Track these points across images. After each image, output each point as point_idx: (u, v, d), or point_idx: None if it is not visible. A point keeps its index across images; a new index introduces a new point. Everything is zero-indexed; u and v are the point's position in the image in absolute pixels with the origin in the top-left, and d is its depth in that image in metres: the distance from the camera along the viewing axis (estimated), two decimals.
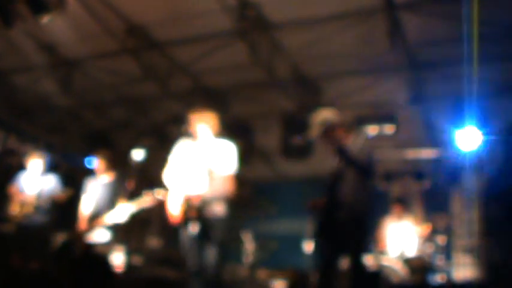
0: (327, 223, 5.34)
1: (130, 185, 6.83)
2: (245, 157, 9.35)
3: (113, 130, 10.08)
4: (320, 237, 5.50)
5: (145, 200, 6.80)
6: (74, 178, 8.78)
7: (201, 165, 5.63)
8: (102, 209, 7.05)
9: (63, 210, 8.38)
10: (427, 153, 9.56)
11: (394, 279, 8.13)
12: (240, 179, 10.50)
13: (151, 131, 9.31)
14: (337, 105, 8.48)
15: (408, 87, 7.90)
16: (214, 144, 5.71)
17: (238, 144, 9.16)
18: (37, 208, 7.87)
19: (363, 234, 5.34)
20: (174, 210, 5.61)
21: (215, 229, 5.49)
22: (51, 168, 9.89)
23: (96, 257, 4.87)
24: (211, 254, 5.49)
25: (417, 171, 9.58)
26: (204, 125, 5.71)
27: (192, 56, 7.94)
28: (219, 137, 5.77)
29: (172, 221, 5.63)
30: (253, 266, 8.31)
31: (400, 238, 8.65)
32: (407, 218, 9.06)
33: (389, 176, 9.72)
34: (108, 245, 7.09)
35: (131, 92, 9.32)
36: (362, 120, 8.18)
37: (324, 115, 5.42)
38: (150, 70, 8.08)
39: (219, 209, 5.51)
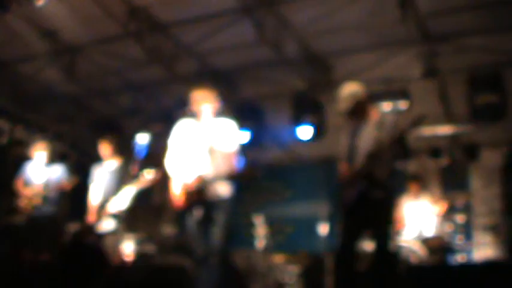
0: (359, 201, 5.11)
1: (135, 169, 6.66)
2: (257, 139, 9.18)
3: (121, 117, 9.89)
4: (348, 215, 5.28)
5: (143, 180, 6.66)
6: (84, 167, 8.58)
7: (203, 145, 5.45)
8: (110, 196, 6.89)
9: (72, 199, 8.28)
10: (443, 129, 9.24)
11: (413, 260, 7.91)
12: (251, 162, 10.37)
13: (160, 116, 9.09)
14: (348, 82, 8.29)
15: (421, 60, 7.57)
16: (216, 122, 5.53)
17: (249, 126, 9.05)
18: (45, 199, 7.78)
19: (392, 215, 5.16)
20: (178, 194, 5.43)
21: (219, 211, 5.31)
22: (61, 157, 9.83)
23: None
24: (216, 237, 5.29)
25: (434, 148, 9.26)
26: (206, 104, 5.52)
27: (196, 37, 7.69)
28: (221, 116, 5.60)
29: (178, 206, 5.44)
30: (267, 251, 8.10)
31: (418, 217, 8.38)
32: (425, 196, 8.80)
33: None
34: (117, 234, 6.96)
35: (137, 77, 9.10)
36: (374, 97, 7.88)
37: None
38: (155, 53, 7.83)
39: (222, 190, 5.33)
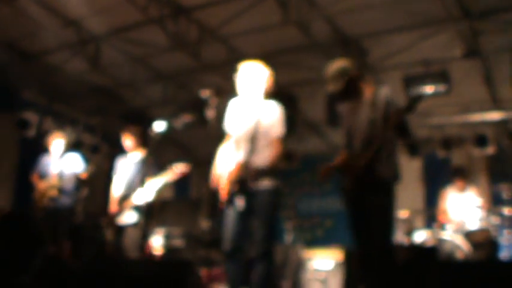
0: (359, 191, 4.71)
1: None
2: (291, 128, 8.79)
3: (152, 107, 9.68)
4: (352, 210, 4.86)
5: (169, 174, 6.46)
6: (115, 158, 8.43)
7: (248, 128, 5.03)
8: (134, 187, 6.67)
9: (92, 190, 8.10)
10: (490, 115, 8.62)
11: (458, 255, 7.39)
12: (288, 151, 10.02)
13: (192, 105, 8.82)
14: (385, 65, 7.83)
15: (462, 40, 7.02)
16: (264, 105, 5.06)
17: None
18: (61, 190, 7.60)
19: (392, 205, 4.70)
20: (222, 185, 5.01)
21: (260, 202, 4.88)
22: (93, 149, 9.74)
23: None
24: (256, 230, 4.90)
25: (480, 136, 8.64)
26: (256, 80, 5.07)
27: (220, 20, 7.38)
28: (269, 99, 5.12)
29: (222, 197, 5.01)
30: (295, 244, 7.72)
31: (462, 210, 7.83)
32: (471, 188, 8.25)
33: (448, 143, 8.84)
34: (139, 227, 6.73)
35: (166, 66, 8.89)
36: (411, 80, 7.39)
37: (342, 66, 4.70)
38: (179, 38, 7.55)
39: (265, 179, 4.87)
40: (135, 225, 6.60)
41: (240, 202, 4.99)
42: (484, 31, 7.01)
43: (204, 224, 10.64)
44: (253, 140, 5.02)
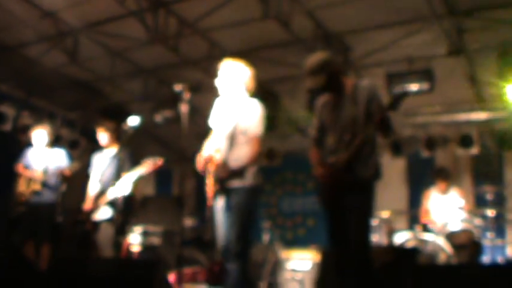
0: (334, 190, 4.56)
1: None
2: (273, 125, 8.64)
3: (132, 102, 9.50)
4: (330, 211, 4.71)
5: (142, 168, 6.33)
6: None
7: (227, 126, 4.99)
8: (109, 183, 6.53)
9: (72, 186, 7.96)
10: (475, 115, 8.50)
11: (440, 256, 7.28)
12: (271, 150, 9.86)
13: (171, 101, 8.66)
14: (368, 62, 7.68)
15: (446, 37, 6.87)
16: (242, 102, 5.00)
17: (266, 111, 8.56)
18: (44, 184, 7.46)
19: (371, 203, 4.54)
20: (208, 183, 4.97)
21: (238, 200, 4.82)
22: (71, 144, 9.56)
23: None
24: (229, 230, 4.84)
25: (464, 136, 8.51)
26: (236, 78, 5.02)
27: (199, 13, 7.18)
28: (250, 96, 5.07)
29: (209, 195, 4.97)
30: (280, 245, 7.56)
31: (445, 211, 7.71)
32: (453, 189, 8.14)
33: (432, 142, 8.71)
34: (113, 223, 6.58)
35: (145, 61, 8.75)
36: (394, 77, 7.25)
37: (322, 59, 4.41)
38: (158, 32, 7.36)
39: (240, 178, 4.81)
40: (109, 221, 6.45)
41: (220, 201, 4.93)
42: (468, 29, 6.88)
43: (188, 221, 10.54)
44: (231, 138, 4.96)
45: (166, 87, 8.98)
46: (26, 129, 8.58)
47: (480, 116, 8.45)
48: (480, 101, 8.26)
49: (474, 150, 8.47)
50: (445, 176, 8.13)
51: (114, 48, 8.26)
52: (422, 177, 9.10)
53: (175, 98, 8.86)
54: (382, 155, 9.61)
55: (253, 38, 7.83)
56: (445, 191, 8.12)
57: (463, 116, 8.53)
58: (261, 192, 5.06)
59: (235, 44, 8.06)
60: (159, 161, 6.28)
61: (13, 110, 8.63)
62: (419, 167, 9.37)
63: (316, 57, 4.47)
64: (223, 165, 4.88)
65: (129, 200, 6.64)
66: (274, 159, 9.98)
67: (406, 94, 4.38)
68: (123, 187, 6.50)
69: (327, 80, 4.39)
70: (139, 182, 6.49)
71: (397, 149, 9.07)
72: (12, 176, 8.34)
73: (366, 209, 4.48)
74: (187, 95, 5.29)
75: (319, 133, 4.69)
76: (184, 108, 5.26)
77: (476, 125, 8.63)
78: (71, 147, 9.48)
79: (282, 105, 8.96)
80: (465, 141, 8.45)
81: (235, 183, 4.84)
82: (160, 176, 11.70)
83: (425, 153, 8.75)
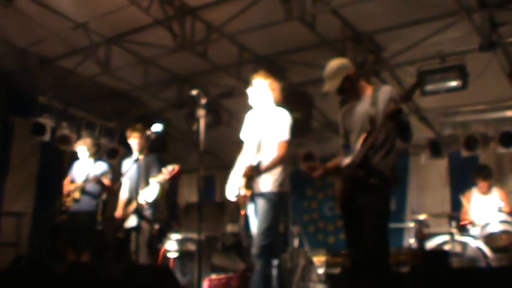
0: (349, 191, 4.47)
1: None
2: (307, 128, 8.52)
3: (168, 110, 9.58)
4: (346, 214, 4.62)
5: (160, 176, 6.46)
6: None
7: (255, 134, 5.26)
8: (137, 190, 6.64)
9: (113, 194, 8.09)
10: None
11: (480, 259, 6.99)
12: (309, 154, 9.73)
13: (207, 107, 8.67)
14: (400, 61, 7.48)
15: (479, 32, 6.59)
16: (270, 112, 5.29)
17: (299, 115, 8.49)
18: (84, 191, 7.68)
19: (387, 209, 4.42)
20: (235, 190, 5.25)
21: (260, 205, 5.00)
22: (111, 153, 9.72)
23: None
24: (257, 234, 5.00)
25: (505, 133, 8.14)
26: (264, 92, 5.29)
27: (225, 18, 7.17)
28: (278, 105, 5.36)
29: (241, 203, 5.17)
30: (299, 249, 7.45)
31: (486, 212, 7.40)
32: (495, 189, 7.84)
33: (472, 141, 8.38)
34: (141, 230, 6.64)
35: (177, 69, 8.85)
36: (427, 75, 7.02)
37: (339, 64, 4.60)
38: (185, 39, 7.40)
39: (268, 182, 5.03)
40: (137, 228, 6.53)
41: (251, 206, 5.10)
42: (503, 21, 6.59)
43: (230, 227, 10.56)
44: (259, 147, 5.16)
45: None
46: (64, 140, 8.81)
47: None
48: None
49: None
50: (486, 176, 7.84)
51: (146, 57, 8.35)
52: (465, 178, 8.79)
53: (210, 104, 8.98)
54: (421, 155, 9.40)
55: (281, 41, 7.76)
56: (486, 192, 7.82)
57: (504, 113, 8.18)
58: (286, 199, 5.28)
59: (264, 48, 8.04)
60: (175, 169, 6.40)
61: (52, 121, 8.84)
62: (462, 168, 9.03)
63: (333, 62, 4.65)
64: (254, 172, 5.04)
65: (154, 207, 6.72)
66: (308, 164, 9.81)
67: (418, 85, 4.33)
68: (149, 194, 6.57)
69: (342, 84, 4.52)
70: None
71: (436, 149, 8.77)
72: (54, 186, 8.59)
73: (381, 210, 4.40)
74: (203, 100, 5.31)
75: (344, 139, 4.75)
76: (201, 112, 5.28)
77: None
78: (110, 156, 9.64)
79: (316, 108, 8.83)
80: (506, 139, 8.09)
81: (261, 188, 5.02)
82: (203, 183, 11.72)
83: (465, 153, 8.42)
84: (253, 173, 5.01)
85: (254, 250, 4.97)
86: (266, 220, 4.96)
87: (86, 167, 7.85)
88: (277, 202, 5.04)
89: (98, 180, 7.65)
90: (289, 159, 5.45)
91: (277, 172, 5.08)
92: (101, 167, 7.90)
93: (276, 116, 5.22)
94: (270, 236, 4.99)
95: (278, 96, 5.35)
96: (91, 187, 7.72)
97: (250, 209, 5.10)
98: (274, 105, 5.32)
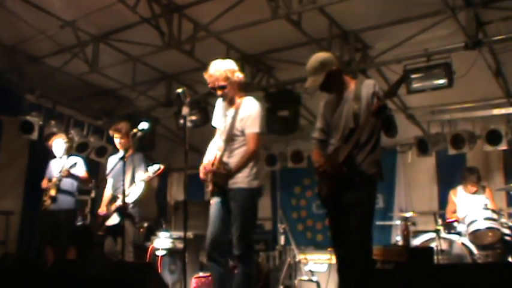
0: (335, 188, 4.46)
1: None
2: (295, 126, 8.53)
3: (156, 108, 9.58)
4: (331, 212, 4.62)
5: (145, 175, 6.57)
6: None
7: (225, 126, 5.02)
8: (120, 187, 6.50)
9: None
10: (502, 109, 8.18)
11: (466, 256, 7.05)
12: (297, 152, 9.73)
13: (195, 105, 8.67)
14: (387, 59, 7.50)
15: (466, 30, 6.62)
16: (240, 102, 5.01)
17: (286, 113, 8.47)
18: (59, 189, 7.68)
19: (371, 206, 4.44)
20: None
21: (235, 202, 4.82)
22: (99, 151, 9.71)
23: None
24: (233, 232, 4.84)
25: (491, 131, 8.18)
26: (227, 81, 4.95)
27: (211, 17, 7.18)
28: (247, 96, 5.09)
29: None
30: (296, 248, 7.46)
31: (473, 210, 7.44)
32: (482, 187, 7.89)
33: (458, 139, 8.42)
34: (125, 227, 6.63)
35: (166, 67, 8.91)
36: (413, 73, 7.05)
37: (321, 59, 4.47)
38: (172, 37, 7.42)
39: (240, 178, 4.83)
40: (119, 226, 6.51)
41: (217, 202, 4.89)
42: (488, 20, 6.64)
43: None
44: (228, 138, 4.95)
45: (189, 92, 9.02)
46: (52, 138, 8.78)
47: (508, 110, 8.12)
48: (507, 95, 7.94)
49: (503, 146, 8.13)
50: (474, 177, 7.87)
51: (133, 55, 8.36)
52: (453, 176, 8.84)
53: (198, 102, 8.97)
54: (409, 153, 9.45)
55: (268, 40, 7.83)
56: (473, 189, 7.87)
57: (491, 112, 8.22)
58: (261, 194, 5.04)
59: (251, 47, 8.07)
60: (161, 168, 6.47)
61: (40, 119, 8.83)
62: (450, 166, 9.09)
63: (315, 57, 4.52)
64: (222, 166, 4.86)
65: (140, 205, 6.74)
66: (300, 161, 9.84)
67: (403, 80, 4.32)
68: (134, 193, 6.58)
69: (325, 80, 4.41)
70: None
71: (424, 147, 8.80)
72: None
73: (366, 208, 4.40)
74: (189, 98, 5.26)
75: (322, 134, 4.69)
76: (187, 110, 5.22)
77: (505, 119, 8.31)
78: (99, 154, 9.63)
79: (303, 106, 8.84)
80: (493, 137, 8.12)
81: (236, 184, 4.83)
82: (192, 181, 11.72)
83: (452, 151, 8.46)
84: (224, 176, 4.81)
85: (236, 251, 4.80)
86: (243, 219, 4.80)
87: (61, 164, 7.83)
88: (252, 198, 4.88)
89: (68, 173, 7.60)
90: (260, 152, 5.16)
91: (249, 167, 4.87)
92: (72, 160, 7.87)
93: (247, 106, 4.96)
94: (249, 234, 4.91)
95: (241, 82, 5.03)
96: (66, 184, 7.71)
97: (215, 205, 4.93)
98: (239, 92, 5.06)
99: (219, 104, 5.20)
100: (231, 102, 5.03)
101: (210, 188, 4.94)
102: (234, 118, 4.93)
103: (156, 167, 6.43)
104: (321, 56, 4.52)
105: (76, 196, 7.87)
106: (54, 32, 7.78)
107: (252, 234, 5.03)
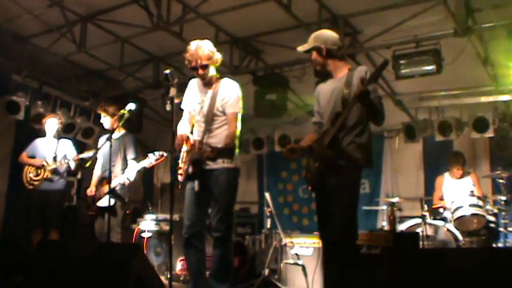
0: (321, 170, 4.47)
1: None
2: (282, 110, 8.52)
3: (144, 90, 9.51)
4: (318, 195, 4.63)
5: (146, 161, 6.50)
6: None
7: (204, 106, 5.02)
8: (110, 168, 6.43)
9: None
10: (490, 97, 8.22)
11: (451, 241, 7.10)
12: (284, 136, 9.73)
13: (183, 88, 8.62)
14: (376, 44, 7.49)
15: (455, 17, 6.61)
16: (219, 83, 5.05)
17: (274, 96, 8.43)
18: (55, 172, 7.61)
19: (354, 191, 4.44)
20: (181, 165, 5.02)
21: (216, 184, 4.80)
22: (86, 132, 9.64)
23: None
24: (213, 214, 4.85)
25: (479, 119, 8.23)
26: (210, 60, 4.97)
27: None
28: (224, 76, 5.14)
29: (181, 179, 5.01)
30: (272, 231, 7.49)
31: (458, 196, 7.49)
32: (468, 174, 7.94)
33: (445, 126, 8.46)
34: (116, 209, 6.61)
35: (154, 49, 8.83)
36: (401, 58, 7.06)
37: (320, 33, 4.67)
38: (161, 19, 7.35)
39: (221, 159, 4.83)
40: (110, 208, 6.47)
41: (195, 184, 4.85)
42: (478, 8, 6.63)
43: None
44: (208, 119, 4.94)
45: (176, 73, 8.96)
46: (39, 118, 8.68)
47: (496, 98, 8.16)
48: (495, 83, 7.96)
49: (489, 133, 8.19)
50: (459, 161, 7.93)
51: (122, 36, 8.27)
52: (439, 162, 8.90)
53: (186, 85, 8.91)
54: (396, 139, 9.49)
55: (258, 23, 7.78)
56: (459, 175, 7.92)
57: (478, 99, 8.26)
58: (239, 174, 5.05)
59: (240, 29, 8.02)
60: (163, 156, 6.44)
61: (26, 100, 8.74)
62: (437, 152, 9.14)
63: (319, 30, 4.78)
64: (202, 147, 4.86)
65: (129, 187, 6.71)
66: (287, 145, 9.82)
67: (384, 66, 4.33)
68: (128, 175, 6.54)
69: (311, 53, 4.58)
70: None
71: (411, 133, 8.85)
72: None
73: (350, 192, 4.41)
74: (176, 79, 5.21)
75: (318, 117, 4.76)
76: (173, 91, 5.16)
77: (492, 107, 8.35)
78: (85, 135, 9.57)
79: (291, 90, 8.83)
80: (480, 125, 8.18)
81: (216, 165, 4.83)
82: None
83: (439, 137, 8.50)
84: (202, 156, 4.78)
85: (216, 233, 4.82)
86: (226, 199, 4.84)
87: (51, 145, 7.78)
88: (234, 178, 4.92)
89: (79, 160, 7.57)
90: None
91: (231, 147, 4.90)
92: (68, 144, 7.88)
93: (226, 87, 5.01)
94: (231, 215, 4.95)
95: (218, 62, 5.05)
96: (61, 168, 7.66)
97: (191, 189, 4.92)
98: (218, 74, 5.08)
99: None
100: (209, 82, 5.04)
101: (190, 169, 4.87)
102: (213, 98, 4.95)
103: (158, 154, 6.41)
104: (323, 31, 4.71)
105: (65, 177, 7.81)
106: (42, 11, 7.63)
107: (232, 215, 5.06)
